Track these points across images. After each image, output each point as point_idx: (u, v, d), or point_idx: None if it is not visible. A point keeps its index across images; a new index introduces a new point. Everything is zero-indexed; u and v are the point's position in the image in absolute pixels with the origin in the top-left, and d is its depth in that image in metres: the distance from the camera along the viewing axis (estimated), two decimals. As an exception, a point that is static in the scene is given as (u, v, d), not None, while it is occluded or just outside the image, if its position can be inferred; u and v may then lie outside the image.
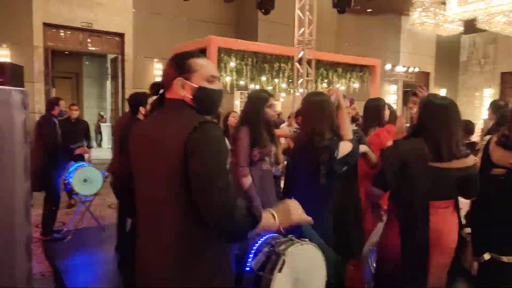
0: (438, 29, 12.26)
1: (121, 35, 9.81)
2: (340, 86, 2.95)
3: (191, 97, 1.47)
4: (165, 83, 1.52)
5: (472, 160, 2.27)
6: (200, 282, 1.42)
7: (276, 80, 8.31)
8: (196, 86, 1.46)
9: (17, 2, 8.49)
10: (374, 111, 3.32)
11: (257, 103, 2.90)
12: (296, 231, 1.83)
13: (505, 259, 2.71)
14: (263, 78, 8.10)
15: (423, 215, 2.15)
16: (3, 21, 8.33)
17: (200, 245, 1.42)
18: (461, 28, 12.13)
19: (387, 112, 3.41)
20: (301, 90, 7.80)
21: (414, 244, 2.16)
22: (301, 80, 7.66)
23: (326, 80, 9.05)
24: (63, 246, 4.56)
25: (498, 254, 2.67)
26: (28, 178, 1.90)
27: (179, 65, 1.48)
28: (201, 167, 1.32)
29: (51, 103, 5.03)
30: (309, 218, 1.56)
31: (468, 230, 2.95)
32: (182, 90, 1.46)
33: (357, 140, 2.94)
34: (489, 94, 13.63)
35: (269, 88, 9.31)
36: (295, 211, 1.52)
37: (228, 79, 7.56)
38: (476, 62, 14.27)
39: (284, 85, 8.60)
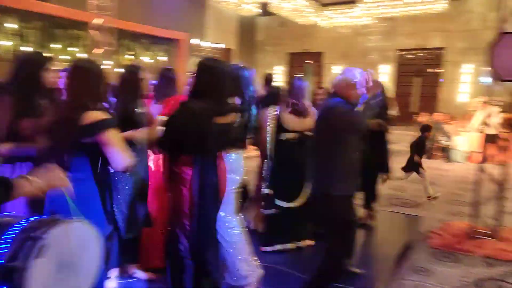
0: (239, 9, 13.02)
1: None
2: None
3: None
4: None
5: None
6: None
7: (74, 49, 7.41)
8: None
9: None
10: (169, 81, 3.34)
11: (30, 66, 2.45)
12: (64, 211, 1.65)
13: (291, 204, 3.54)
14: (58, 46, 7.10)
15: (214, 164, 2.42)
16: None
17: None
18: (259, 10, 13.19)
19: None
20: (106, 62, 7.17)
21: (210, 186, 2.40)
22: (102, 50, 7.03)
23: (132, 53, 8.60)
24: None
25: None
26: None
27: None
28: None
29: None
30: (68, 183, 1.57)
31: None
32: None
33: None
34: (280, 72, 15.43)
35: (65, 57, 8.27)
36: (56, 174, 1.53)
37: (10, 44, 6.32)
38: (270, 42, 15.87)
39: (84, 56, 7.75)
